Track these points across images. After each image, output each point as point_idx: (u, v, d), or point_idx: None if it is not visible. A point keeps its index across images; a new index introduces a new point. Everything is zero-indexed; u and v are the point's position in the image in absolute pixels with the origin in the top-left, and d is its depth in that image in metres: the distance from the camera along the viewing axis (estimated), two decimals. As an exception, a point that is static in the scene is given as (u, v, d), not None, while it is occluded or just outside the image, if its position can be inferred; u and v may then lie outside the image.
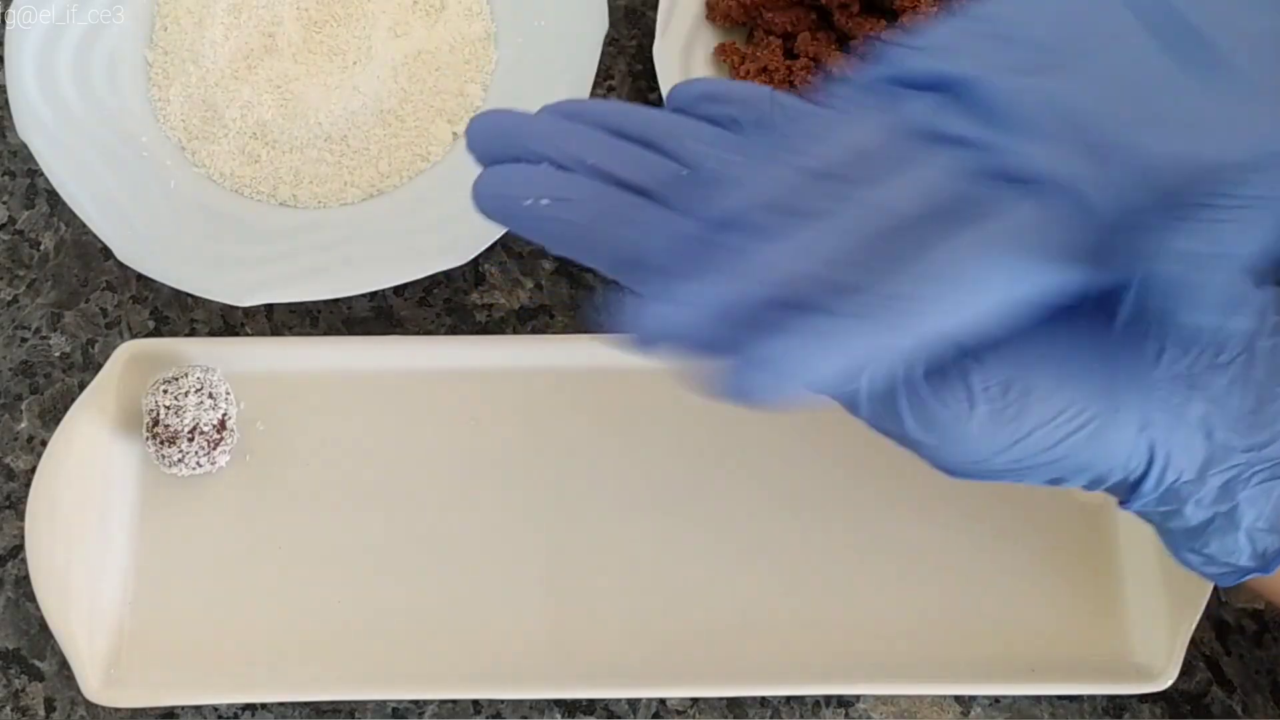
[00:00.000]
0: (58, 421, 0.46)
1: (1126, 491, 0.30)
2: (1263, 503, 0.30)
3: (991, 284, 0.26)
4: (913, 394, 0.28)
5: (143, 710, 0.46)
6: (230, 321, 0.51)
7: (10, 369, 0.50)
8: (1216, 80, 0.26)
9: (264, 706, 0.46)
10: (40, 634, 0.47)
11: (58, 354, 0.50)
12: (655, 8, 0.50)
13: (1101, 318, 0.29)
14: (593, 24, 0.50)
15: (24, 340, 0.51)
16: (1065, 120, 0.26)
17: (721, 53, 0.50)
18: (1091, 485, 0.30)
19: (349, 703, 0.46)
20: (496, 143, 0.31)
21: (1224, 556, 0.31)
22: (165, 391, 0.45)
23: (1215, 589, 0.44)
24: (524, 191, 0.30)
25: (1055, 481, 0.30)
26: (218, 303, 0.49)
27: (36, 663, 0.47)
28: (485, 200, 0.31)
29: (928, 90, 0.27)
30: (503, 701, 0.46)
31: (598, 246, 0.30)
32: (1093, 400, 0.28)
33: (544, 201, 0.30)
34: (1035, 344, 0.28)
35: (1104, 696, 0.45)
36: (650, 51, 0.50)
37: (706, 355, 0.26)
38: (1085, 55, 0.26)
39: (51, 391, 0.50)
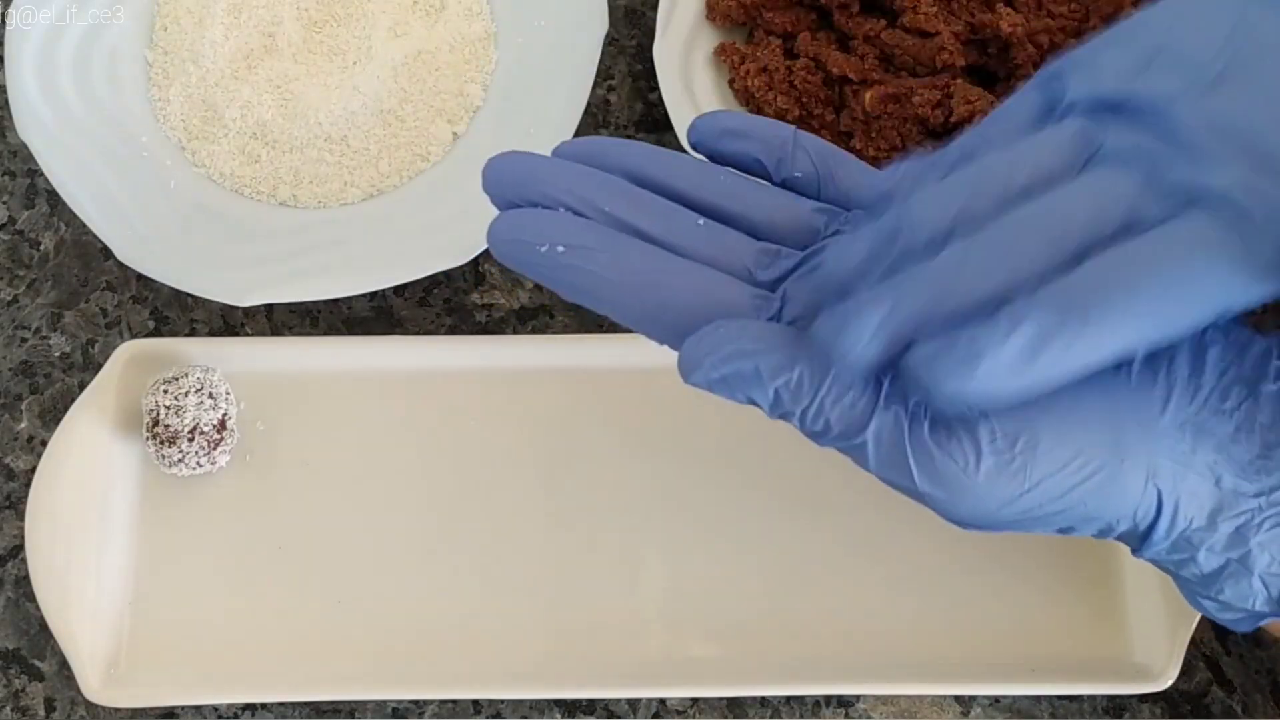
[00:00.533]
0: (58, 421, 0.46)
1: (1138, 540, 0.30)
2: (1275, 547, 0.30)
3: (1191, 289, 0.26)
4: (919, 448, 0.28)
5: (143, 710, 0.46)
6: (230, 321, 0.51)
7: (10, 369, 0.50)
8: None
9: (264, 706, 0.46)
10: (40, 634, 0.47)
11: (58, 354, 0.50)
12: (655, 8, 0.50)
13: (1107, 367, 0.29)
14: (593, 24, 0.50)
15: (24, 340, 0.51)
16: (1230, 136, 0.26)
17: (721, 53, 0.50)
18: (1101, 534, 0.30)
19: (349, 703, 0.46)
20: (512, 186, 0.32)
21: (1239, 602, 0.31)
22: (165, 391, 0.45)
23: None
24: (539, 238, 0.30)
25: (1065, 531, 0.30)
26: (218, 303, 0.49)
27: (36, 663, 0.47)
28: (500, 245, 0.31)
29: (1103, 110, 0.28)
30: (503, 701, 0.46)
31: (618, 299, 0.30)
32: (1099, 451, 0.28)
33: (560, 249, 0.30)
34: (1041, 396, 0.28)
35: (1104, 696, 0.45)
36: (650, 51, 0.50)
37: (930, 359, 0.27)
38: (1245, 67, 0.27)
39: (51, 391, 0.50)
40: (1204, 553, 0.30)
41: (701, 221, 0.32)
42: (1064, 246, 0.27)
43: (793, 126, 0.33)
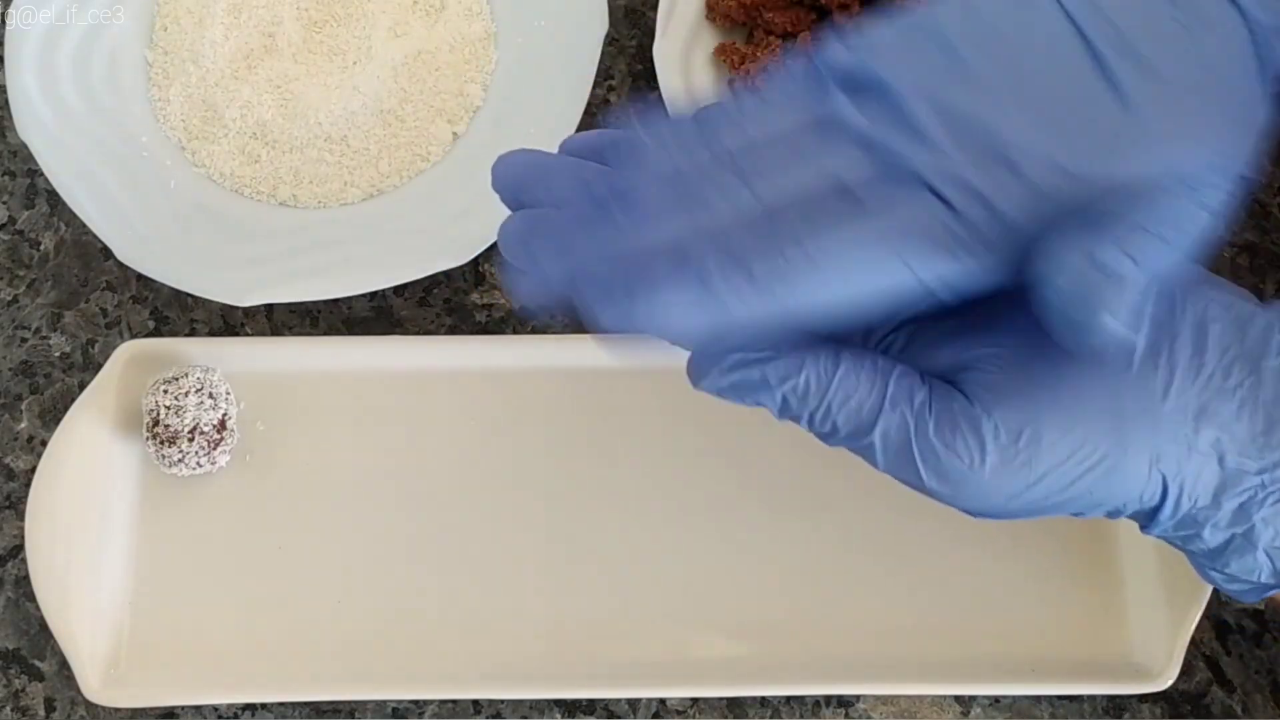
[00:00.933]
0: (58, 421, 0.46)
1: (1145, 519, 0.31)
2: (1279, 522, 0.30)
3: (865, 271, 0.27)
4: (926, 447, 0.29)
5: (143, 710, 0.46)
6: (230, 321, 0.51)
7: (10, 369, 0.50)
8: (1142, 89, 0.27)
9: (264, 706, 0.46)
10: (40, 634, 0.47)
11: (58, 354, 0.50)
12: (655, 8, 0.50)
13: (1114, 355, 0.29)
14: (593, 24, 0.50)
15: (24, 340, 0.51)
16: (978, 134, 0.27)
17: (721, 53, 0.50)
18: (1111, 515, 0.31)
19: (349, 703, 0.46)
20: (521, 185, 0.32)
21: (1245, 575, 0.31)
22: (165, 391, 0.45)
23: (1215, 590, 0.44)
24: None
25: (1075, 514, 0.30)
26: (218, 303, 0.49)
27: (36, 663, 0.47)
28: (511, 247, 0.31)
29: (860, 87, 0.28)
30: (503, 701, 0.46)
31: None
32: (1102, 440, 0.29)
33: None
34: (1043, 389, 0.29)
35: (1104, 696, 0.45)
36: (650, 51, 0.50)
37: (593, 299, 0.28)
38: (1015, 66, 0.28)
39: (51, 391, 0.50)
40: (1209, 529, 0.30)
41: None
42: (778, 212, 0.27)
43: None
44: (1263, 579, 0.31)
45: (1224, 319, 0.30)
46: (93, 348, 0.51)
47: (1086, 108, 0.27)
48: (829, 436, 0.30)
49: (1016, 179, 0.27)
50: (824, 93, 0.28)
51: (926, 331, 0.31)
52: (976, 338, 0.30)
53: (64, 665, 0.46)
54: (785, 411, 0.30)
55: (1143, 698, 0.45)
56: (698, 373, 0.30)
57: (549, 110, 0.49)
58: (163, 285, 0.50)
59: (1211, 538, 0.31)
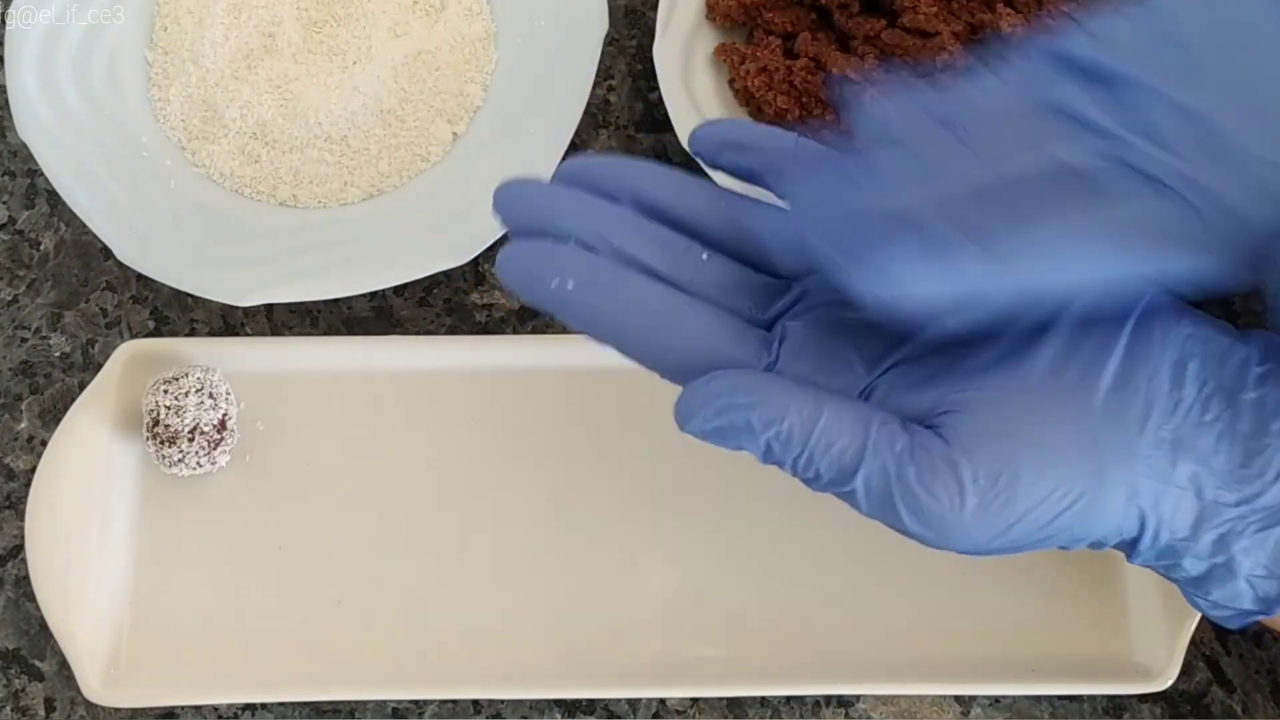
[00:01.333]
0: (58, 421, 0.46)
1: (1127, 549, 0.31)
2: (1259, 552, 0.30)
3: (1095, 258, 0.27)
4: (906, 493, 0.29)
5: (143, 710, 0.46)
6: (230, 321, 0.51)
7: (10, 369, 0.50)
8: None
9: (264, 706, 0.46)
10: (40, 634, 0.47)
11: (58, 354, 0.50)
12: (655, 8, 0.50)
13: (1081, 393, 0.29)
14: (593, 24, 0.50)
15: (24, 340, 0.51)
16: (1212, 136, 0.27)
17: (721, 53, 0.50)
18: (1094, 548, 0.31)
19: (349, 703, 0.46)
20: (523, 213, 0.33)
21: (1228, 602, 0.31)
22: (165, 391, 0.45)
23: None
24: (550, 272, 0.31)
25: (1060, 548, 0.31)
26: (218, 303, 0.49)
27: (36, 663, 0.47)
28: (511, 275, 0.32)
29: (1092, 77, 0.28)
30: (503, 701, 0.46)
31: (625, 337, 0.32)
32: (1080, 479, 0.29)
33: (569, 284, 0.31)
34: (1020, 430, 0.29)
35: (1104, 696, 0.45)
36: (650, 51, 0.50)
37: (828, 255, 0.29)
38: (1247, 69, 0.28)
39: (51, 391, 0.50)
40: (1189, 560, 0.30)
41: (705, 256, 0.33)
42: (1011, 188, 0.28)
43: (796, 136, 0.33)
44: (1246, 606, 0.31)
45: (1202, 353, 0.30)
46: (93, 348, 0.51)
47: None
48: (812, 482, 0.31)
49: (1248, 183, 0.27)
50: (1057, 79, 0.29)
51: (908, 375, 0.31)
52: (954, 382, 0.30)
53: (64, 665, 0.46)
54: (769, 457, 0.30)
55: (1143, 698, 0.46)
56: (684, 417, 0.31)
57: (549, 110, 0.49)
58: (163, 285, 0.50)
59: (1192, 567, 0.31)
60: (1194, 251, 0.27)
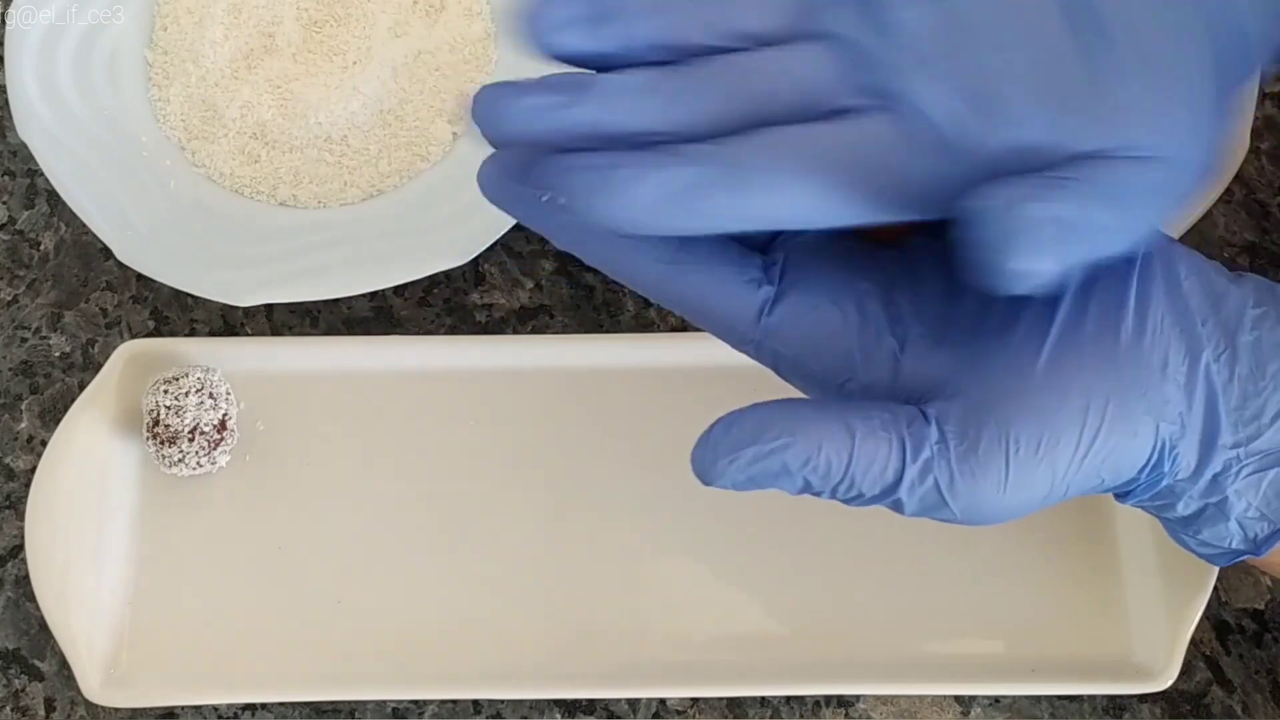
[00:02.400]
0: (58, 421, 0.46)
1: (1121, 491, 0.31)
2: (1251, 494, 0.31)
3: (814, 188, 0.27)
4: (950, 485, 0.29)
5: (143, 710, 0.46)
6: (230, 321, 0.51)
7: (10, 369, 0.50)
8: (1100, 56, 0.27)
9: (264, 706, 0.46)
10: (40, 634, 0.47)
11: (58, 354, 0.50)
12: (655, 8, 0.50)
13: (1103, 345, 0.29)
14: (593, 24, 0.50)
15: (24, 340, 0.51)
16: (957, 65, 0.27)
17: (721, 53, 0.50)
18: (1120, 491, 0.31)
19: (349, 703, 0.46)
20: (506, 122, 0.30)
21: (1216, 541, 0.32)
22: (165, 391, 0.45)
23: (1215, 589, 0.44)
24: (538, 185, 0.29)
25: (1091, 493, 0.31)
26: (218, 303, 0.49)
27: (36, 663, 0.47)
28: (489, 184, 0.30)
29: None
30: (503, 701, 0.46)
31: (599, 258, 0.30)
32: (1114, 430, 0.29)
33: (560, 200, 0.30)
34: (1048, 391, 0.29)
35: (1104, 696, 0.45)
36: (650, 51, 0.50)
37: (553, 173, 0.28)
38: (1004, 22, 0.27)
39: (51, 391, 0.50)
40: (1183, 501, 0.31)
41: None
42: (742, 106, 0.27)
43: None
44: (1234, 545, 0.32)
45: (1199, 294, 0.30)
46: (93, 348, 0.51)
47: (1057, 70, 0.27)
48: (853, 501, 0.30)
49: (988, 117, 0.27)
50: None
51: (917, 360, 0.31)
52: (975, 358, 0.30)
53: (64, 665, 0.46)
54: (805, 490, 0.30)
55: (1143, 698, 0.45)
56: (709, 471, 0.30)
57: (549, 110, 0.49)
58: (163, 285, 0.50)
59: (1185, 508, 0.31)
60: (900, 188, 0.27)
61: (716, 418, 0.48)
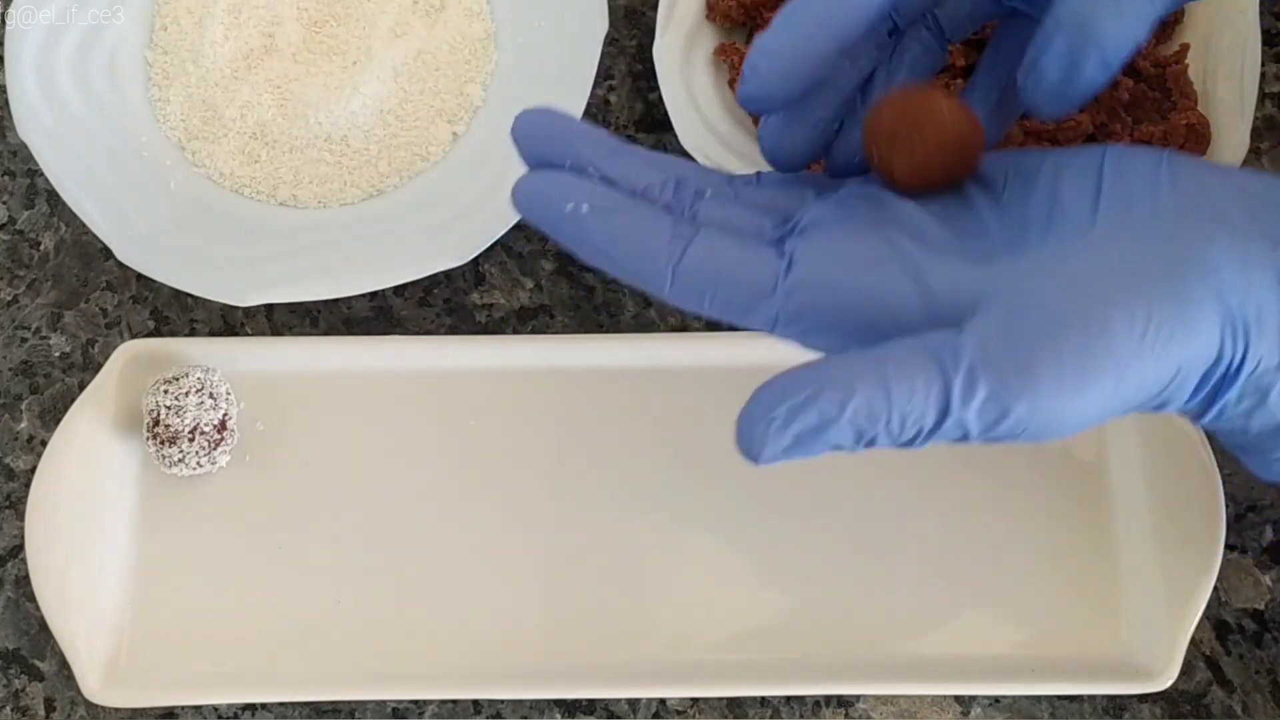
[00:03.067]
0: (58, 421, 0.46)
1: (1205, 398, 0.29)
2: None
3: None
4: (1007, 388, 0.28)
5: (143, 710, 0.46)
6: (230, 321, 0.51)
7: (10, 369, 0.50)
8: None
9: (264, 706, 0.46)
10: (40, 634, 0.47)
11: (58, 354, 0.50)
12: (655, 8, 0.50)
13: (1138, 226, 0.29)
14: (593, 24, 0.50)
15: (24, 340, 0.51)
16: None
17: (721, 53, 0.50)
18: (1164, 405, 0.29)
19: (349, 703, 0.46)
20: (542, 141, 0.32)
21: None
22: (166, 391, 0.45)
23: (1215, 589, 0.44)
24: (565, 198, 0.31)
25: (1154, 408, 0.29)
26: (218, 303, 0.49)
27: (36, 663, 0.47)
28: (525, 199, 0.31)
29: None
30: (503, 701, 0.46)
31: (631, 261, 0.31)
32: (1168, 308, 0.28)
33: (584, 209, 0.30)
34: (1093, 278, 0.28)
35: (1104, 696, 0.45)
36: (650, 51, 0.50)
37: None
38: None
39: (51, 391, 0.50)
40: (1276, 393, 0.29)
41: (709, 193, 0.32)
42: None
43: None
44: None
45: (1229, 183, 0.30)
46: (93, 348, 0.51)
47: None
48: (915, 440, 0.29)
49: None
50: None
51: (948, 279, 0.29)
52: (1012, 263, 0.29)
53: (64, 665, 0.46)
54: (861, 438, 0.28)
55: (1143, 698, 0.46)
56: (753, 443, 0.29)
57: (549, 110, 0.49)
58: (163, 285, 0.50)
59: (1278, 403, 0.29)
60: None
61: (713, 418, 0.48)
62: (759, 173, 0.34)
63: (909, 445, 0.29)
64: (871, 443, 0.29)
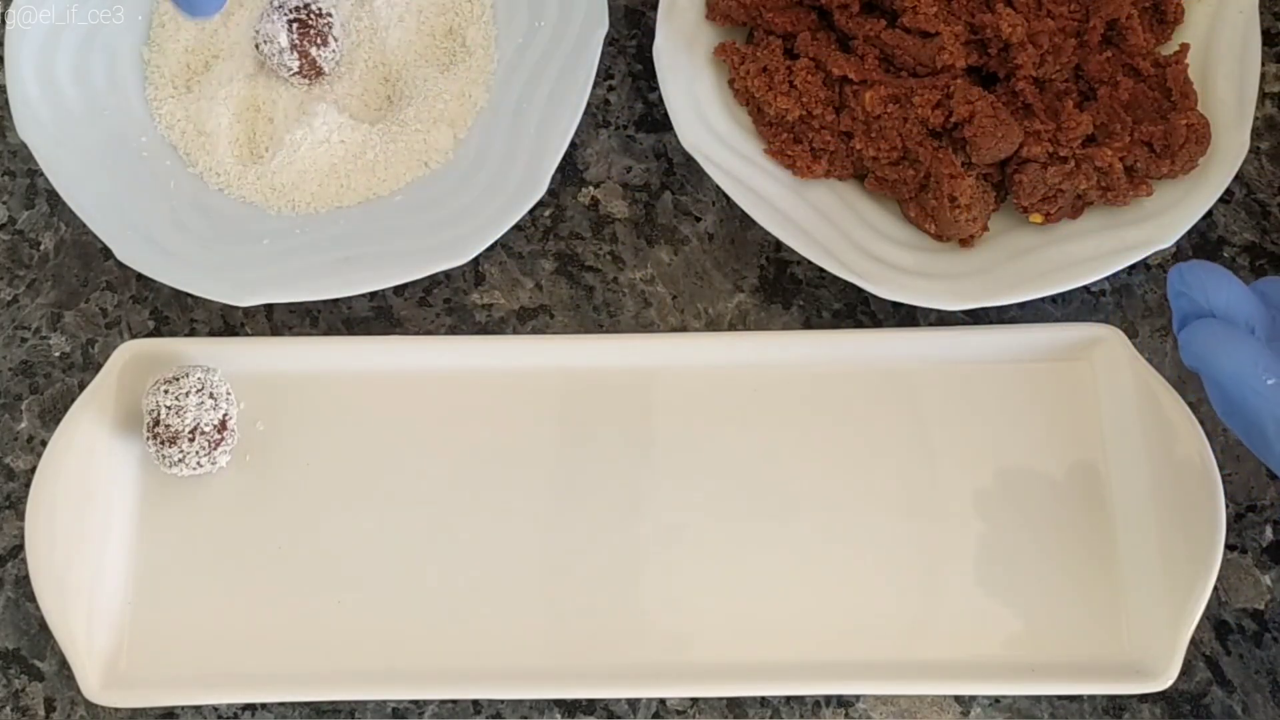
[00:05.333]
0: (58, 421, 0.46)
1: None
2: None
3: None
4: None
5: (143, 710, 0.46)
6: (230, 321, 0.51)
7: (10, 369, 0.50)
8: None
9: (264, 706, 0.46)
10: (40, 634, 0.47)
11: (58, 354, 0.50)
12: (655, 8, 0.50)
13: None
14: (593, 24, 0.50)
15: (24, 340, 0.51)
16: None
17: (721, 53, 0.50)
18: None
19: (349, 703, 0.46)
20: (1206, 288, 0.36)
21: None
22: (166, 391, 0.45)
23: (1215, 589, 0.44)
24: (1255, 364, 0.34)
25: None
26: (218, 303, 0.49)
27: (36, 663, 0.47)
28: (1195, 355, 0.37)
29: None
30: (503, 701, 0.46)
31: None
32: None
33: (1270, 381, 0.33)
34: None
35: (1104, 696, 0.45)
36: (650, 51, 0.50)
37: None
38: None
39: (51, 391, 0.50)
40: None
41: None
42: None
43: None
44: None
45: None
46: (93, 348, 0.51)
47: None
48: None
49: None
50: None
51: None
52: None
53: (64, 665, 0.46)
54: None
55: (1143, 698, 0.46)
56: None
57: (549, 110, 0.49)
58: (163, 285, 0.50)
59: None
60: None
61: (713, 418, 0.48)
62: None
63: None
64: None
